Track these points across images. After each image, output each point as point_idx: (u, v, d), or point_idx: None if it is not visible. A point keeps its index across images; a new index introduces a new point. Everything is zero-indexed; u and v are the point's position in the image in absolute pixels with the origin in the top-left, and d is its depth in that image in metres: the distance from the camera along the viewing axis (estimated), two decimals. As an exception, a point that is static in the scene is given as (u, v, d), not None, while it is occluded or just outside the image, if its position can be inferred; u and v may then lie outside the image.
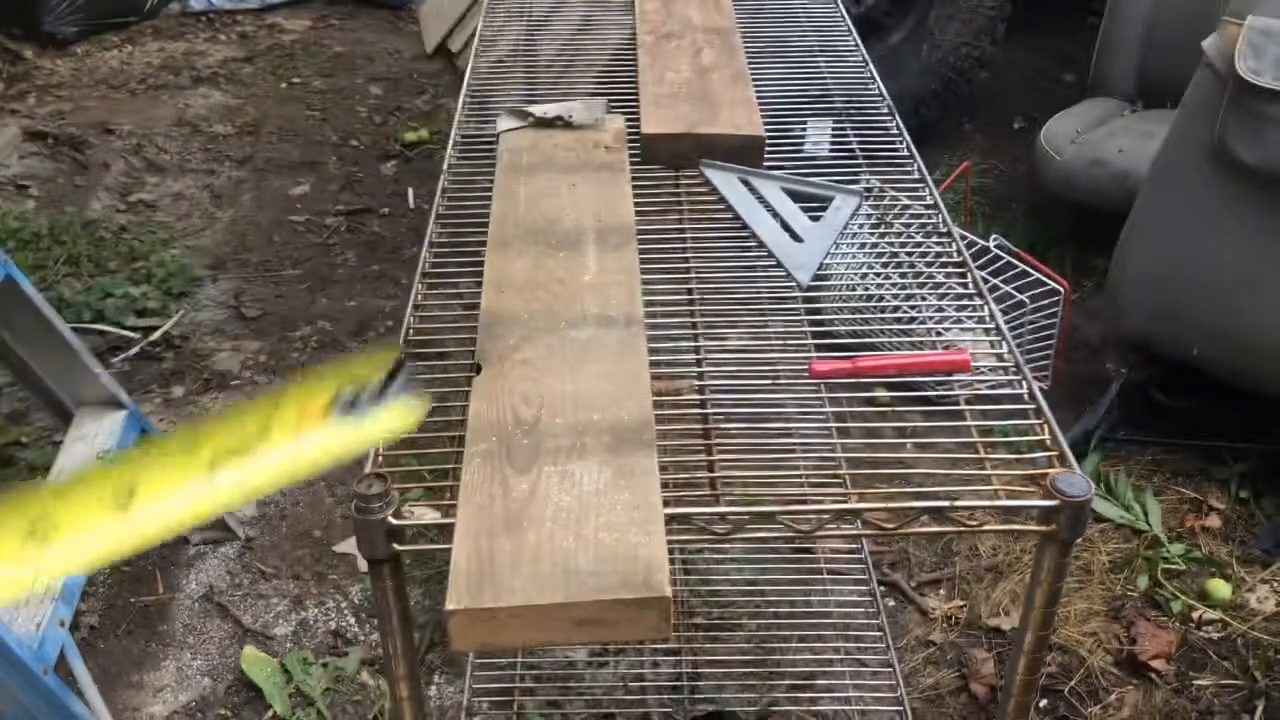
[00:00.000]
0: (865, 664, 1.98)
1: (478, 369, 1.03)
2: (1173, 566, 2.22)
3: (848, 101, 1.62)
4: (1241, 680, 2.02)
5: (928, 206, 1.41)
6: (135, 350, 2.83)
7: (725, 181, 1.41)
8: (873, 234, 1.73)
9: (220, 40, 4.70)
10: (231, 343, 2.91)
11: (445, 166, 1.44)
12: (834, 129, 1.58)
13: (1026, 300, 2.54)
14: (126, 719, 1.97)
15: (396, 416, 0.92)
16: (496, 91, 1.65)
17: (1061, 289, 2.60)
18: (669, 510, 0.89)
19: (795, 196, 1.39)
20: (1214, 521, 2.33)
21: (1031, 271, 2.63)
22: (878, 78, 1.69)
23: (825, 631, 2.04)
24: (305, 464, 0.89)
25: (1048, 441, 1.03)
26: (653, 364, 1.05)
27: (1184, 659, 2.07)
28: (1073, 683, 2.02)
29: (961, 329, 1.76)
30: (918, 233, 1.43)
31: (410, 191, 3.61)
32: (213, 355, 2.85)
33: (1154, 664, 2.03)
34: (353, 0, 5.10)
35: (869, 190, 1.46)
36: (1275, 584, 2.20)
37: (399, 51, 4.65)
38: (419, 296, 1.21)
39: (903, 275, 2.30)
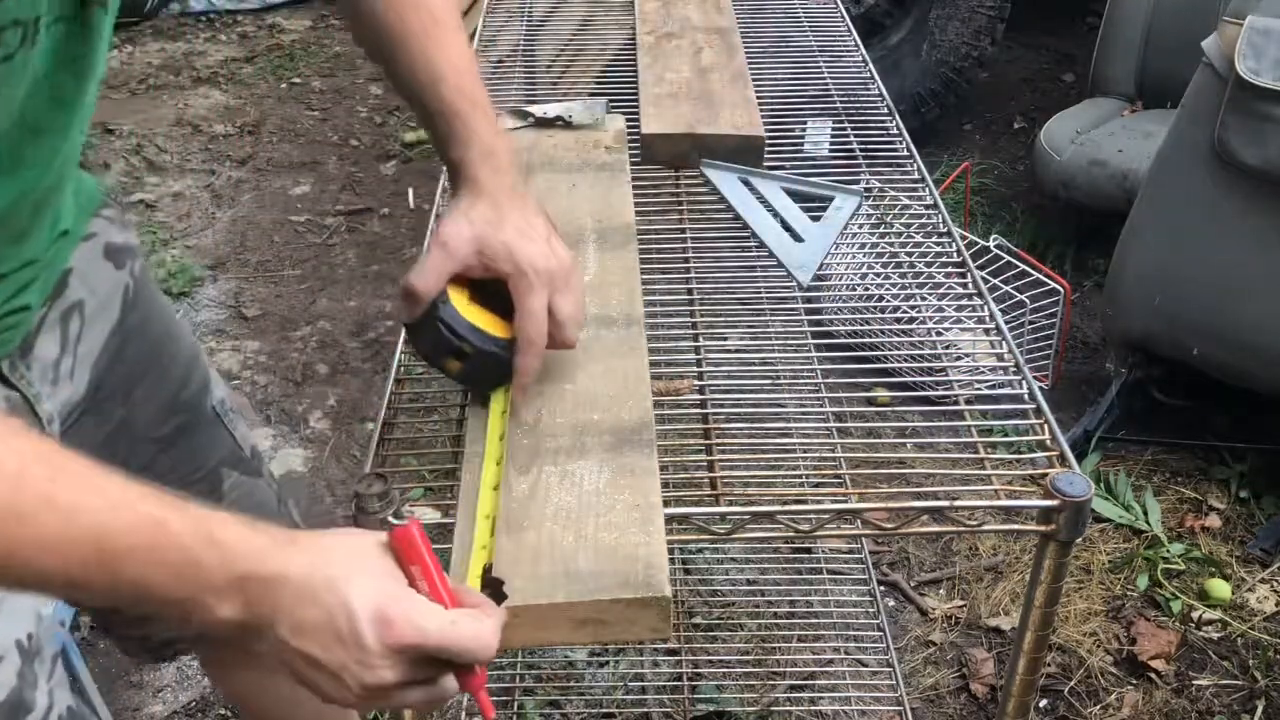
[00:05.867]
0: (865, 664, 1.98)
1: (478, 369, 1.03)
2: (1172, 566, 2.23)
3: (848, 101, 1.63)
4: (1241, 680, 2.02)
5: (928, 206, 1.41)
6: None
7: (725, 181, 1.42)
8: (873, 234, 1.73)
9: (220, 40, 4.70)
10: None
11: (445, 166, 1.44)
12: (834, 129, 1.58)
13: (1026, 300, 2.54)
14: (126, 719, 1.97)
15: None
16: (497, 91, 1.65)
17: (1061, 289, 2.60)
18: (669, 510, 0.89)
19: (795, 196, 1.39)
20: (1214, 521, 2.33)
21: (1031, 271, 2.63)
22: (878, 78, 1.69)
23: (825, 631, 2.04)
24: None
25: (1048, 441, 1.03)
26: (653, 364, 1.05)
27: (1184, 659, 2.07)
28: (1072, 683, 2.02)
29: (961, 329, 1.76)
30: (917, 233, 1.43)
31: (410, 191, 3.61)
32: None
33: (1154, 664, 2.03)
34: (353, 0, 5.10)
35: (869, 190, 1.46)
36: (1275, 584, 2.20)
37: (399, 51, 4.65)
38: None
39: (903, 275, 2.30)
